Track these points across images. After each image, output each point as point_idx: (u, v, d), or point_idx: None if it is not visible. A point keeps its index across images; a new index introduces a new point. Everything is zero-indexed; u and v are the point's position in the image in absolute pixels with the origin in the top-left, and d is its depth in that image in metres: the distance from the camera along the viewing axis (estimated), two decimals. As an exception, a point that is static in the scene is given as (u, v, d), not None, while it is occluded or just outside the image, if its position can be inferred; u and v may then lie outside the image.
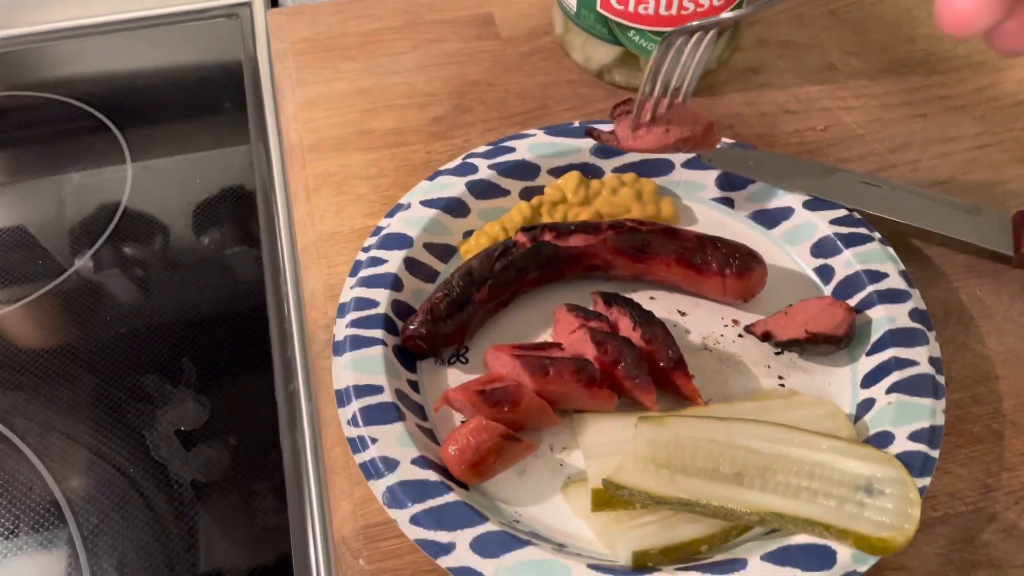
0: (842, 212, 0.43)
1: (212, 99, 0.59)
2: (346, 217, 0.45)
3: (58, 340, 0.46)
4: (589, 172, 0.46)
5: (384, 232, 0.42)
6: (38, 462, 0.42)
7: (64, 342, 0.46)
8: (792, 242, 0.43)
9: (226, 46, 0.62)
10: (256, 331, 0.46)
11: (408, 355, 0.39)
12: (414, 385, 0.39)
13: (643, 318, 0.38)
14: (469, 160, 0.45)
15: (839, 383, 0.39)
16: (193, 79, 0.61)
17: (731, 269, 0.40)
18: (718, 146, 0.44)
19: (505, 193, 0.45)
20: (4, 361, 0.45)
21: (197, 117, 0.59)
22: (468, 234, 0.44)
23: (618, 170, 0.46)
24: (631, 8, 0.46)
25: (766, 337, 0.40)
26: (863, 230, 0.42)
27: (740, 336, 0.41)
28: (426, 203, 0.43)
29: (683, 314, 0.41)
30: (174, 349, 0.45)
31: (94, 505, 0.40)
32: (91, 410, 0.43)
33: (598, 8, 0.47)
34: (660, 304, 0.42)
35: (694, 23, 0.36)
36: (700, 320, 0.41)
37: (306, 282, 0.44)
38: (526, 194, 0.45)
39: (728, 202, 0.45)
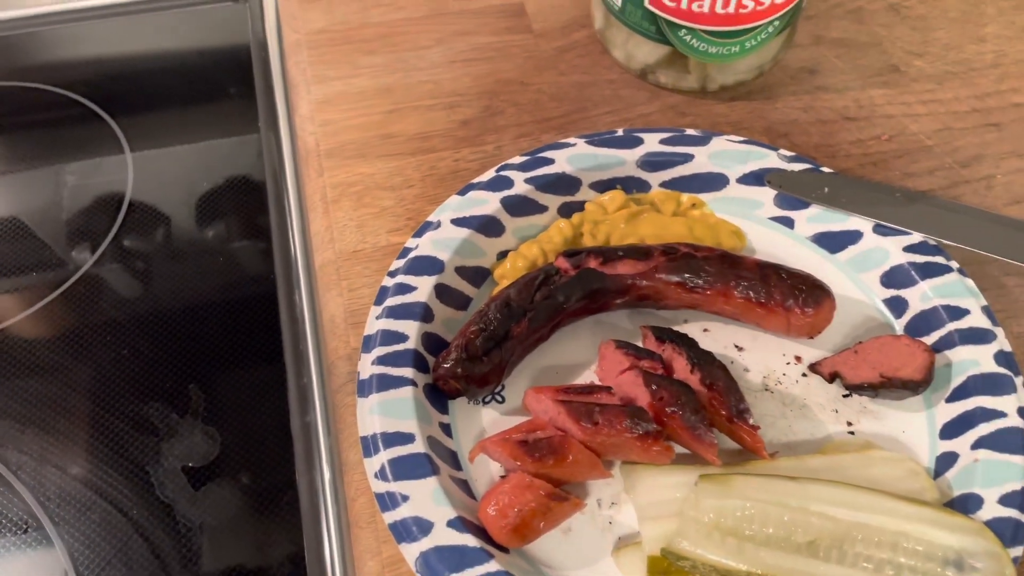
0: (916, 238, 0.39)
1: (217, 86, 0.55)
2: (368, 233, 0.42)
3: (53, 361, 0.42)
4: (634, 186, 0.42)
5: (412, 255, 0.38)
6: (32, 500, 0.38)
7: (60, 363, 0.42)
8: (860, 269, 0.39)
9: (232, 30, 0.57)
10: (269, 355, 0.42)
11: (439, 393, 0.36)
12: (446, 428, 0.35)
13: (702, 359, 0.34)
14: (503, 173, 0.41)
15: (914, 431, 0.35)
16: (196, 65, 0.56)
17: (797, 304, 0.36)
18: (784, 167, 0.40)
19: (543, 209, 0.41)
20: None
21: (200, 104, 0.54)
22: (502, 255, 0.40)
23: (666, 184, 0.42)
24: (684, 5, 0.42)
25: (834, 378, 0.36)
26: (940, 259, 0.38)
27: (804, 375, 0.37)
28: (457, 222, 0.39)
29: (740, 349, 0.38)
30: (180, 373, 0.42)
31: (94, 550, 0.37)
32: (90, 442, 0.40)
33: (646, 4, 0.43)
34: (715, 338, 0.38)
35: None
36: (759, 357, 0.37)
37: (325, 306, 0.40)
38: (565, 210, 0.41)
39: (787, 222, 0.41)
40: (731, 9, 0.41)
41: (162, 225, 0.48)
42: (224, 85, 0.55)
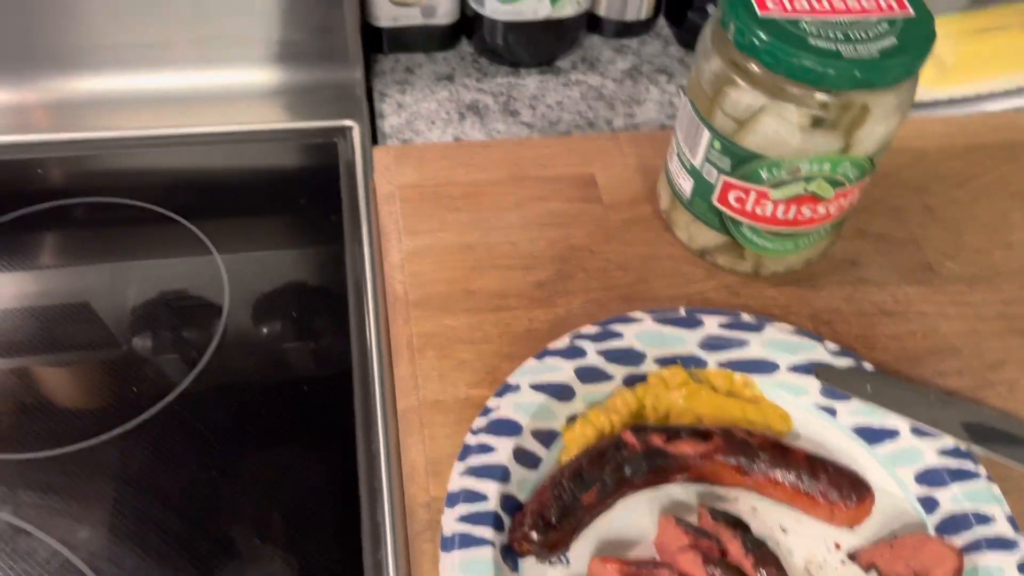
0: (949, 442, 0.43)
1: (305, 216, 0.60)
2: (449, 384, 0.46)
3: (147, 477, 0.46)
4: (693, 363, 0.46)
5: (493, 416, 0.42)
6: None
7: (152, 479, 0.46)
8: (897, 464, 0.43)
9: (321, 164, 0.63)
10: (344, 490, 0.46)
11: (512, 552, 0.39)
12: (516, 586, 0.38)
13: (756, 546, 0.38)
14: (578, 343, 0.45)
15: (943, 628, 0.38)
16: (285, 191, 0.62)
17: (840, 497, 0.40)
18: (830, 361, 0.45)
19: (610, 378, 0.45)
20: (81, 495, 0.45)
21: (288, 232, 0.59)
22: (571, 418, 0.44)
23: (722, 365, 0.46)
24: (748, 207, 0.47)
25: (870, 568, 0.40)
26: (969, 464, 0.42)
27: (843, 562, 0.40)
28: (536, 387, 0.43)
29: (785, 531, 0.41)
30: (264, 499, 0.45)
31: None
32: (179, 561, 0.43)
33: (713, 201, 0.48)
34: (762, 517, 0.42)
35: None
36: (803, 540, 0.41)
37: (406, 451, 0.44)
38: (630, 380, 0.46)
39: (831, 411, 0.45)
40: (791, 215, 0.47)
41: (255, 345, 0.52)
42: (312, 213, 0.59)
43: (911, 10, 0.43)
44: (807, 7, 0.42)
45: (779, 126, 0.42)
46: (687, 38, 0.74)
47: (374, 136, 0.65)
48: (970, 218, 0.57)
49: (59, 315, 0.53)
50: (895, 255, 0.54)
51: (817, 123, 0.42)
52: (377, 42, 0.70)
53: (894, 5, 0.43)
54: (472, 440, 0.41)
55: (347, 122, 0.64)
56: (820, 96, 0.41)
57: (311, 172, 0.62)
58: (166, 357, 0.51)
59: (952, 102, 0.68)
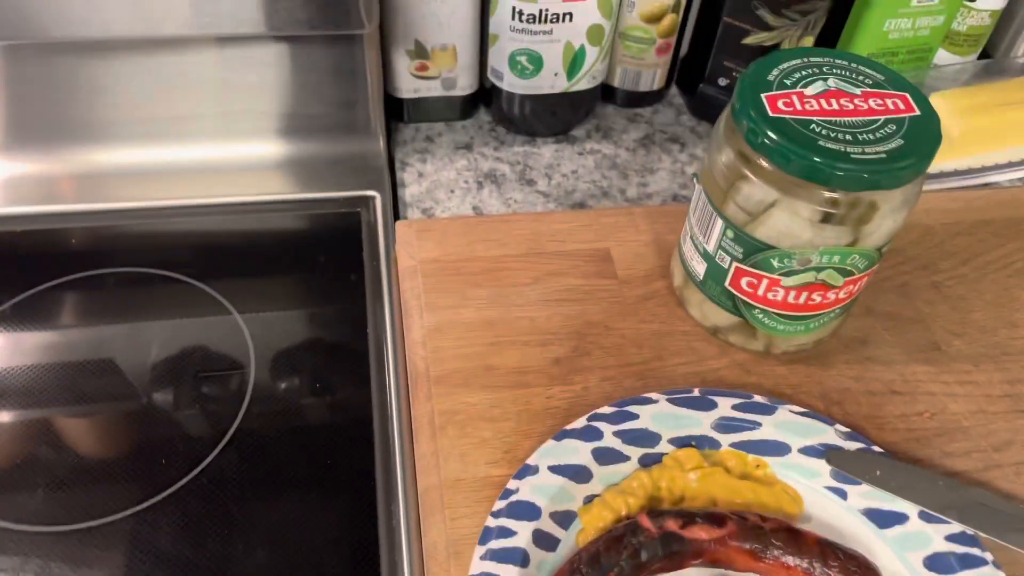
0: (956, 528, 0.44)
1: (330, 289, 0.61)
2: (470, 463, 0.47)
3: (175, 549, 0.47)
4: (707, 444, 0.48)
5: (513, 498, 0.44)
6: None
7: (181, 552, 0.47)
8: (905, 548, 0.44)
9: (344, 234, 0.65)
10: (366, 567, 0.47)
11: (531, 636, 0.40)
12: (536, 670, 0.39)
13: (769, 635, 0.39)
14: (594, 424, 0.47)
15: None
16: (310, 261, 0.63)
17: (852, 585, 0.41)
18: (840, 444, 0.46)
19: (626, 459, 0.47)
20: (108, 569, 0.46)
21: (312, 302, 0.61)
22: (588, 499, 0.45)
23: (735, 445, 0.48)
24: (760, 292, 0.48)
25: (880, 655, 0.41)
26: (976, 550, 0.43)
27: (854, 649, 0.41)
28: (554, 469, 0.45)
29: (797, 616, 0.42)
30: (284, 573, 0.46)
31: None
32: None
33: (726, 285, 0.50)
34: (775, 602, 0.43)
35: None
36: (814, 625, 0.42)
37: (427, 531, 0.45)
38: (646, 460, 0.47)
39: (842, 493, 0.46)
40: (801, 301, 0.48)
41: (278, 418, 0.53)
42: (337, 284, 0.61)
43: (917, 110, 0.45)
44: (817, 108, 0.44)
45: (790, 220, 0.44)
46: (698, 107, 0.76)
47: (395, 204, 0.68)
48: (976, 295, 0.58)
49: (83, 373, 0.55)
50: (903, 333, 0.55)
51: (827, 218, 0.44)
52: (398, 111, 0.73)
53: (901, 106, 0.45)
54: (492, 523, 0.43)
55: (370, 192, 0.67)
56: (829, 194, 0.43)
57: (335, 242, 0.64)
58: (193, 429, 0.53)
59: (957, 173, 0.70)
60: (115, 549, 0.47)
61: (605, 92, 0.75)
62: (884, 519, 0.45)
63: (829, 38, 0.73)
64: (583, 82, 0.69)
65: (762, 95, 0.45)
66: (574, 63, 0.67)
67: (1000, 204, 0.64)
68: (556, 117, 0.72)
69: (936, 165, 0.70)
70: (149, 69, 0.64)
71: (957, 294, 0.58)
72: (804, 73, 0.46)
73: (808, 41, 0.68)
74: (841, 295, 0.48)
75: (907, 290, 0.58)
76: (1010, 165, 0.71)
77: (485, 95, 0.74)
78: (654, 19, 0.69)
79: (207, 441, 0.52)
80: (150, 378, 0.55)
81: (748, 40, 0.68)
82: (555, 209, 0.66)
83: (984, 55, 0.81)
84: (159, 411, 0.53)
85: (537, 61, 0.67)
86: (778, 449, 0.47)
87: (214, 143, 0.67)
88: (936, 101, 0.71)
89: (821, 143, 0.42)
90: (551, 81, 0.68)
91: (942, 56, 0.78)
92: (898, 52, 0.73)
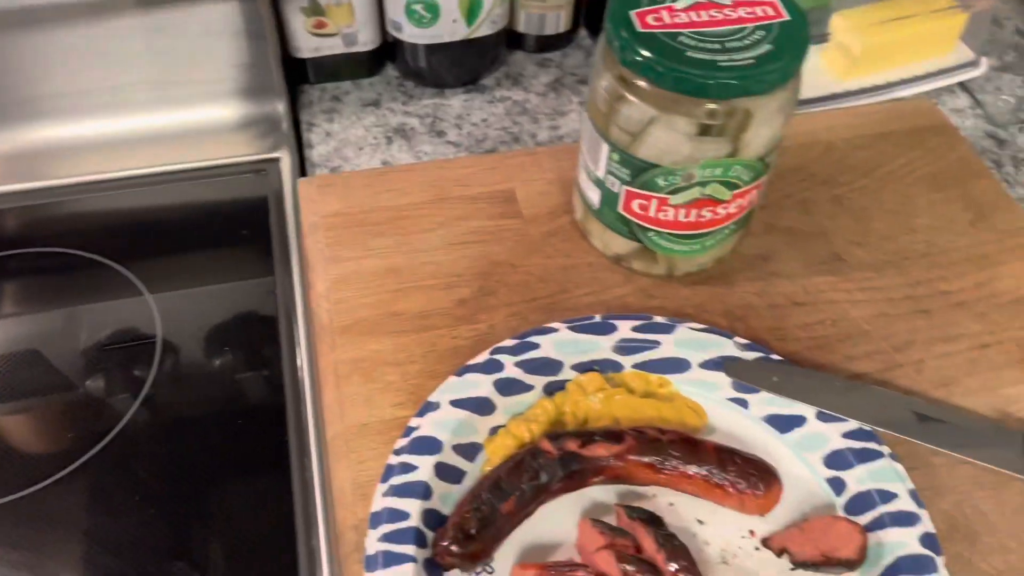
0: (853, 425, 0.45)
1: (238, 251, 0.61)
2: (375, 407, 0.47)
3: (87, 520, 0.47)
4: (610, 368, 0.48)
5: (415, 435, 0.44)
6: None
7: (94, 523, 0.47)
8: (806, 450, 0.45)
9: (249, 196, 0.64)
10: (281, 519, 0.47)
11: (436, 566, 0.40)
12: (442, 598, 0.40)
13: (667, 540, 0.39)
14: (496, 356, 0.47)
15: (852, 604, 0.40)
16: (217, 227, 0.63)
17: (749, 487, 0.41)
18: (739, 355, 0.46)
19: (529, 388, 0.47)
20: (21, 544, 0.46)
21: (218, 260, 0.60)
22: (494, 430, 0.46)
23: (637, 366, 0.48)
24: (651, 213, 0.48)
25: (782, 553, 0.41)
26: (873, 444, 0.44)
27: (757, 549, 0.42)
28: (456, 403, 0.45)
29: (701, 523, 0.43)
30: (202, 534, 0.46)
31: None
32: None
33: (619, 210, 0.50)
34: (679, 512, 0.43)
35: None
36: (718, 531, 0.43)
37: (335, 477, 0.45)
38: (550, 388, 0.47)
39: (743, 403, 0.47)
40: (692, 218, 0.48)
41: (189, 382, 0.53)
42: (244, 247, 0.60)
43: (787, 15, 0.45)
44: (686, 20, 0.44)
45: (669, 136, 0.44)
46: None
47: (303, 165, 0.67)
48: (877, 205, 0.59)
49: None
50: (805, 247, 0.56)
51: (704, 131, 0.44)
52: (303, 73, 0.72)
53: (771, 12, 0.45)
54: (394, 460, 0.43)
55: (274, 155, 0.66)
56: (704, 106, 0.43)
57: (242, 206, 0.63)
58: (100, 401, 0.52)
59: (863, 91, 0.71)
60: (27, 525, 0.47)
61: (514, 39, 0.75)
62: (784, 424, 0.46)
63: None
64: (484, 27, 0.68)
65: (631, 12, 0.44)
66: (472, 8, 0.67)
67: (900, 116, 0.65)
68: (463, 66, 0.71)
69: (841, 84, 0.71)
70: (36, 44, 0.63)
71: (859, 206, 0.59)
72: (674, -12, 0.46)
73: (705, -31, 0.68)
74: (732, 209, 0.49)
75: (809, 206, 0.58)
76: (914, 79, 0.72)
77: (391, 50, 0.73)
78: (550, -42, 0.69)
79: (114, 414, 0.51)
80: (57, 359, 0.54)
81: (645, -28, 0.68)
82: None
83: (889, -26, 0.81)
84: (64, 387, 0.53)
85: (434, 8, 0.66)
86: (679, 366, 0.48)
87: (109, 117, 0.66)
88: (838, 21, 0.71)
89: (690, 54, 0.42)
90: (451, 28, 0.67)
91: (846, -24, 0.78)
92: (798, -25, 0.73)
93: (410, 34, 0.68)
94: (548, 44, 0.76)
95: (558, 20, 0.73)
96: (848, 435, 0.44)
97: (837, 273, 0.54)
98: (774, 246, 0.56)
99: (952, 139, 0.63)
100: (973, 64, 0.73)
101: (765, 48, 0.43)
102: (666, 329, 0.48)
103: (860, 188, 0.59)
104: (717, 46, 0.43)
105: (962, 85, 0.73)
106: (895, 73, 0.72)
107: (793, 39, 0.44)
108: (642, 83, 0.44)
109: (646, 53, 0.42)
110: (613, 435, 0.43)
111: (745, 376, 0.46)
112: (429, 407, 0.45)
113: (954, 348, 0.51)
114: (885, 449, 0.44)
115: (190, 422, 0.51)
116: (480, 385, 0.46)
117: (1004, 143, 0.68)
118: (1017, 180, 0.65)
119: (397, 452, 0.43)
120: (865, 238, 0.56)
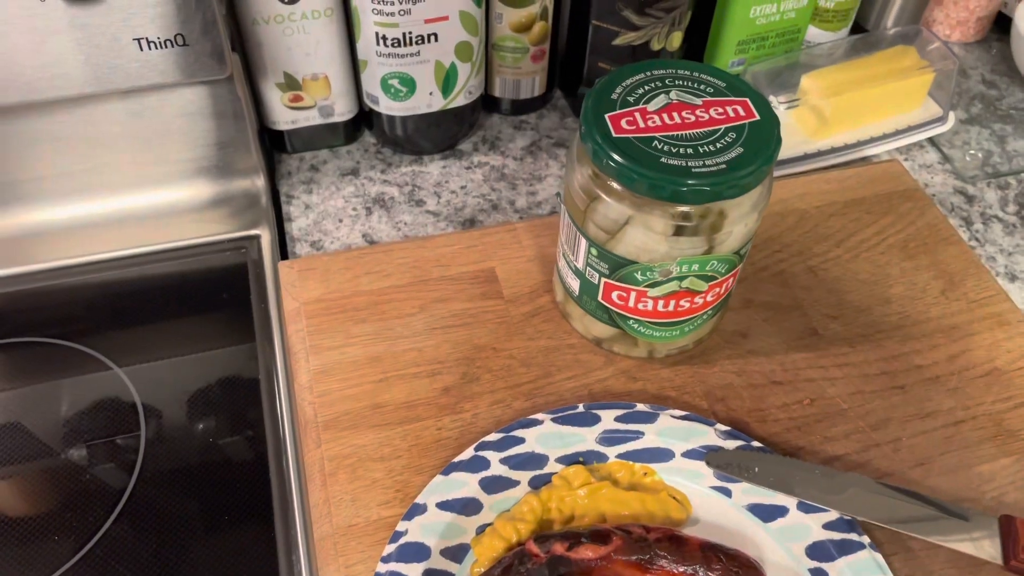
0: (833, 515, 0.45)
1: (221, 335, 0.61)
2: (362, 507, 0.47)
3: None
4: (594, 458, 0.48)
5: (402, 540, 0.44)
6: None
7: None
8: (788, 539, 0.46)
9: (231, 277, 0.64)
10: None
11: (428, 677, 0.41)
12: None
13: (653, 646, 0.40)
14: (481, 453, 0.47)
15: None
16: (197, 308, 0.62)
17: (733, 585, 0.42)
18: (720, 443, 0.47)
19: (515, 484, 0.47)
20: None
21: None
22: (481, 528, 0.46)
23: (621, 456, 0.49)
24: (631, 304, 0.49)
25: (767, 649, 0.42)
26: (853, 536, 0.45)
27: (742, 645, 0.43)
28: (442, 505, 0.45)
29: (688, 620, 0.44)
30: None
31: None
32: None
33: (599, 299, 0.50)
34: (666, 609, 0.44)
35: None
36: (704, 628, 0.43)
37: (324, 581, 0.45)
38: (535, 482, 0.48)
39: (726, 492, 0.47)
40: (671, 308, 0.49)
41: (172, 473, 0.53)
42: (227, 330, 0.60)
43: (757, 115, 0.46)
44: (659, 124, 0.45)
45: (645, 236, 0.45)
46: (580, 109, 0.76)
47: (283, 240, 0.67)
48: (851, 276, 0.60)
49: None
50: (782, 322, 0.57)
51: (680, 231, 0.45)
52: (281, 142, 0.72)
53: (742, 112, 0.46)
54: (383, 568, 0.43)
55: (254, 232, 0.66)
56: (678, 209, 0.44)
57: (223, 287, 0.63)
58: (86, 499, 0.52)
59: (834, 151, 0.72)
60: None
61: (489, 102, 0.75)
62: (767, 513, 0.47)
63: (698, 30, 0.74)
64: (460, 98, 0.69)
65: (606, 116, 0.45)
66: (447, 81, 0.67)
67: (872, 181, 0.66)
68: (440, 132, 0.72)
69: (813, 144, 0.72)
70: (11, 132, 0.62)
71: (832, 276, 0.60)
72: (646, 88, 0.47)
73: (677, 36, 0.69)
74: (709, 298, 0.49)
75: (784, 278, 0.59)
76: (884, 137, 0.73)
77: (367, 116, 0.73)
78: (524, 28, 0.69)
79: (101, 511, 0.51)
80: (38, 449, 0.54)
81: (618, 41, 0.68)
82: (446, 228, 0.66)
83: (858, 28, 0.83)
84: (51, 483, 0.52)
85: (409, 83, 0.66)
86: (662, 456, 0.48)
87: (88, 200, 0.65)
88: (807, 82, 0.72)
89: (664, 160, 0.43)
90: (427, 100, 0.68)
91: (814, 33, 0.79)
92: (768, 36, 0.74)
93: (387, 106, 0.68)
94: (523, 107, 0.76)
95: (533, 84, 0.74)
96: (828, 526, 0.45)
97: (814, 349, 0.55)
98: (752, 322, 0.57)
99: (921, 204, 0.64)
100: (941, 120, 0.74)
101: (736, 152, 0.44)
102: (648, 418, 0.49)
103: (834, 259, 0.61)
104: (690, 151, 0.43)
105: (931, 140, 0.74)
106: (866, 131, 0.73)
107: (763, 140, 0.45)
108: (616, 185, 0.45)
109: (620, 160, 0.43)
110: (599, 535, 0.44)
111: (726, 467, 0.47)
112: (416, 509, 0.45)
113: (929, 425, 0.52)
114: (865, 539, 0.45)
115: (174, 518, 0.51)
116: (467, 484, 0.46)
117: (973, 199, 0.69)
118: (987, 238, 0.66)
119: (385, 559, 0.43)
120: (840, 311, 0.58)
